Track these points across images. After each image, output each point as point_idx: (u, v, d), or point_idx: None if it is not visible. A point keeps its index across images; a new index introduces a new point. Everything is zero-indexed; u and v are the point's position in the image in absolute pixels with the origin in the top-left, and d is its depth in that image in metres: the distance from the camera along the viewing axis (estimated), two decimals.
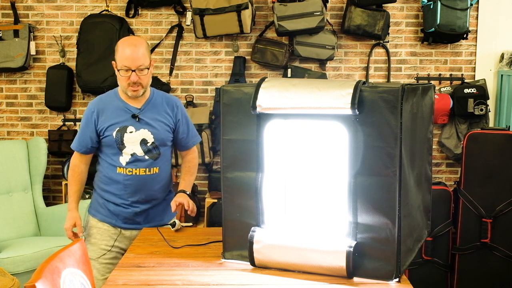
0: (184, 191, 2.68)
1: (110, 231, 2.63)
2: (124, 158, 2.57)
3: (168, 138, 2.65)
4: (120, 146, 2.56)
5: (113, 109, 2.58)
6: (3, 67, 4.23)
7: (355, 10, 4.09)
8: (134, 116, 2.56)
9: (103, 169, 2.63)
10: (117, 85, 2.60)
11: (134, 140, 2.56)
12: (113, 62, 2.55)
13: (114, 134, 2.55)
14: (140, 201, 2.60)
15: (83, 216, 2.71)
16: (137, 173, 2.58)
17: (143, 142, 2.57)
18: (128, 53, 2.47)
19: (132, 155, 2.56)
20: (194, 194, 4.17)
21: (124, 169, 2.57)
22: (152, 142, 2.58)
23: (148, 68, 2.53)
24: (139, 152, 2.56)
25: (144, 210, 2.62)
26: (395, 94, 1.82)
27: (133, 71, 2.48)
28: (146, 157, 2.57)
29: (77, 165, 2.65)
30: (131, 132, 2.56)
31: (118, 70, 2.50)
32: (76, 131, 4.29)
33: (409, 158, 1.96)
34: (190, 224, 3.96)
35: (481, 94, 4.11)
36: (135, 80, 2.49)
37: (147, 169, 2.59)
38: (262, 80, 2.03)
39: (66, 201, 4.18)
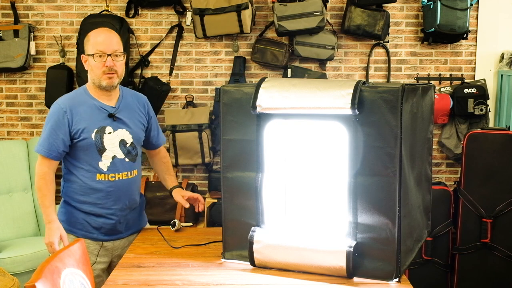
0: (180, 186, 2.63)
1: (90, 247, 2.40)
2: (104, 163, 2.39)
3: (142, 137, 2.54)
4: (100, 149, 2.37)
5: (86, 108, 2.39)
6: (3, 67, 4.22)
7: (355, 10, 4.09)
8: (110, 116, 2.40)
9: (78, 178, 2.41)
10: None
11: (113, 142, 2.40)
12: (82, 55, 2.42)
13: (93, 136, 2.36)
14: (124, 208, 2.45)
15: None
16: (120, 178, 2.41)
17: (122, 143, 2.43)
18: (102, 37, 2.37)
19: (112, 158, 2.40)
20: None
21: (106, 175, 2.39)
22: (131, 143, 2.45)
23: (123, 57, 2.41)
24: (119, 154, 2.41)
25: (125, 217, 2.47)
26: (395, 94, 1.82)
27: (108, 55, 2.35)
28: (126, 159, 2.42)
29: (47, 172, 2.40)
30: (109, 133, 2.39)
31: (92, 55, 2.35)
32: None
33: (409, 158, 1.96)
34: (190, 224, 3.97)
35: (481, 94, 4.11)
36: (111, 64, 2.35)
37: (128, 172, 2.44)
38: (262, 80, 2.03)
39: None
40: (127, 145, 2.44)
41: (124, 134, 2.43)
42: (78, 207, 2.41)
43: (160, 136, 2.67)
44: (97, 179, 2.38)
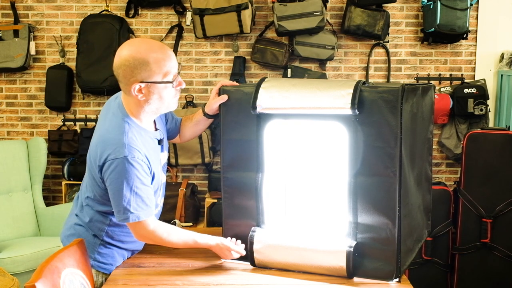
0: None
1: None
2: (158, 195, 2.06)
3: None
4: (159, 184, 2.05)
5: (148, 145, 1.96)
6: (3, 67, 4.23)
7: (355, 10, 4.09)
8: (160, 142, 2.05)
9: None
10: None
11: (164, 169, 2.11)
12: (140, 84, 1.86)
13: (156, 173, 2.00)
14: None
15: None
16: (163, 204, 2.17)
17: (164, 166, 2.12)
18: (169, 55, 1.90)
19: (163, 185, 2.10)
20: (194, 194, 4.17)
21: (157, 209, 2.08)
22: (165, 160, 2.13)
23: None
24: (163, 178, 2.10)
25: None
26: (395, 94, 1.82)
27: (178, 73, 1.95)
28: (164, 180, 2.11)
29: (156, 226, 1.96)
30: (163, 163, 2.09)
31: (171, 82, 1.90)
32: (75, 131, 4.30)
33: (409, 158, 1.96)
34: (190, 224, 3.97)
35: (481, 94, 4.11)
36: (184, 84, 1.98)
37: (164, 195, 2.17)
38: (262, 80, 2.03)
39: (66, 201, 4.19)
40: (164, 165, 2.13)
41: (165, 156, 2.11)
42: (121, 246, 2.08)
43: (174, 118, 2.27)
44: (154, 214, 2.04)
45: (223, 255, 2.07)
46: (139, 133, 1.93)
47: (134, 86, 1.86)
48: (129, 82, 1.87)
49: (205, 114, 2.17)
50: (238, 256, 2.06)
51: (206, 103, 2.17)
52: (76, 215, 2.07)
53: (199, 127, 2.25)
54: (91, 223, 2.03)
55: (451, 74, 4.30)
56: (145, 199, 1.89)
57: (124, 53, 1.86)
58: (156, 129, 2.05)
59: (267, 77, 2.08)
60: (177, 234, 2.00)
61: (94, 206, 2.01)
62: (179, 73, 1.94)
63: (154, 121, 2.06)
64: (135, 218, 1.88)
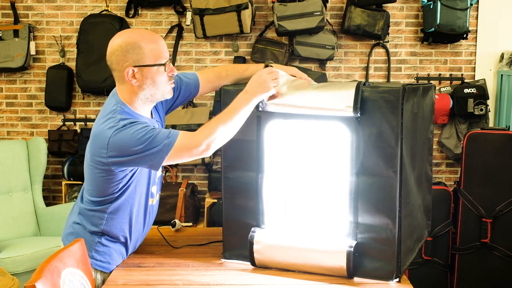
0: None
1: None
2: (153, 184, 2.09)
3: None
4: (154, 177, 2.06)
5: None
6: (3, 67, 4.22)
7: (355, 10, 4.09)
8: None
9: (128, 209, 2.03)
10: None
11: None
12: (133, 68, 1.88)
13: None
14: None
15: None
16: (160, 196, 2.19)
17: None
18: (160, 42, 1.93)
19: (158, 177, 2.12)
20: (194, 194, 4.17)
21: (153, 199, 2.11)
22: None
23: None
24: (159, 173, 2.11)
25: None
26: (396, 94, 1.82)
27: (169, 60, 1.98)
28: (162, 174, 2.13)
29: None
30: None
31: (163, 65, 1.91)
32: (75, 131, 4.30)
33: (410, 158, 1.96)
34: (190, 224, 3.97)
35: (481, 94, 4.11)
36: (176, 71, 2.00)
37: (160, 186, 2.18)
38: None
39: (66, 201, 4.18)
40: None
41: None
42: (120, 240, 2.07)
43: (189, 76, 2.17)
44: (150, 204, 2.09)
45: (266, 93, 1.93)
46: (133, 116, 1.92)
47: (128, 70, 1.89)
48: (122, 67, 1.90)
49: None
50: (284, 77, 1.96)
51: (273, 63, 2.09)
52: (79, 212, 2.08)
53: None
54: (89, 214, 2.03)
55: (451, 74, 4.30)
56: (162, 132, 1.84)
57: (116, 41, 1.92)
58: (153, 117, 2.05)
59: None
60: (219, 119, 1.89)
61: (94, 197, 2.01)
62: (169, 60, 1.96)
63: (151, 112, 2.06)
64: (171, 142, 1.83)
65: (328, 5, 4.23)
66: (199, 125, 4.04)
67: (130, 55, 1.88)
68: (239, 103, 1.90)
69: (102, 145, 1.89)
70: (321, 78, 4.19)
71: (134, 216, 2.06)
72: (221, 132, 1.88)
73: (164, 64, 1.92)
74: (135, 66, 1.89)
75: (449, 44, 4.26)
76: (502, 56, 4.24)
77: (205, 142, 1.86)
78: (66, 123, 4.37)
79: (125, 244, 2.10)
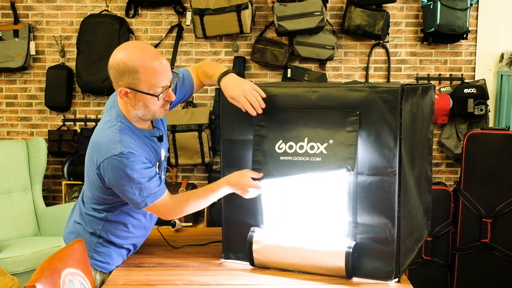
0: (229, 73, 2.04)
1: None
2: None
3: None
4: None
5: (145, 145, 1.97)
6: (3, 67, 4.23)
7: (355, 10, 4.09)
8: (160, 139, 2.05)
9: (131, 216, 2.05)
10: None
11: (164, 165, 2.12)
12: (126, 89, 1.86)
13: (157, 169, 2.01)
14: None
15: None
16: None
17: (164, 162, 2.11)
18: (161, 68, 1.87)
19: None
20: None
21: None
22: (165, 156, 2.12)
23: None
24: (162, 177, 2.09)
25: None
26: (394, 94, 1.82)
27: (169, 87, 1.92)
28: (163, 178, 2.10)
29: (172, 198, 1.99)
30: (164, 158, 2.10)
31: (156, 96, 1.87)
32: (75, 131, 4.30)
33: (409, 158, 1.96)
34: (190, 224, 3.97)
35: (481, 94, 4.11)
36: (173, 97, 1.96)
37: None
38: None
39: (66, 201, 4.19)
40: (164, 161, 2.11)
41: (164, 152, 2.09)
42: (118, 243, 2.08)
43: (184, 73, 2.15)
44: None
45: (241, 193, 2.00)
46: (133, 132, 1.93)
47: (121, 90, 1.87)
48: (117, 84, 1.89)
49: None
50: (256, 193, 2.00)
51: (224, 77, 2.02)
52: (80, 212, 2.09)
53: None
54: (88, 218, 2.05)
55: (451, 74, 4.30)
56: (153, 181, 1.90)
57: (118, 56, 1.87)
58: (153, 127, 2.05)
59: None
60: (195, 194, 2.01)
61: (92, 203, 2.04)
62: (170, 86, 1.91)
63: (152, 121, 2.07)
64: (151, 201, 1.91)
65: (328, 5, 4.23)
66: (199, 125, 4.06)
67: (125, 77, 1.85)
68: (218, 187, 2.02)
69: (95, 160, 1.90)
70: (321, 78, 4.19)
71: (131, 225, 2.07)
72: (193, 209, 2.02)
73: (157, 96, 1.88)
74: (128, 88, 1.87)
75: (449, 44, 4.26)
76: (502, 56, 4.24)
77: (177, 216, 2.02)
78: (66, 123, 4.37)
79: (124, 243, 2.11)
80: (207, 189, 2.02)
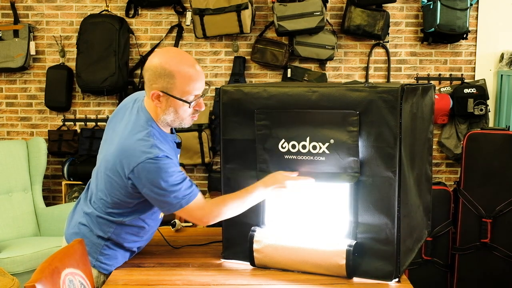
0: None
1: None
2: None
3: None
4: None
5: (170, 148, 2.00)
6: (3, 67, 4.23)
7: (355, 10, 4.09)
8: (179, 146, 2.09)
9: (142, 221, 2.06)
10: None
11: None
12: (159, 93, 1.88)
13: None
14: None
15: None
16: None
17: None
18: (197, 75, 1.91)
19: None
20: None
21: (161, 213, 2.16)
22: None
23: None
24: None
25: None
26: (394, 94, 1.82)
27: (201, 96, 1.96)
28: None
29: (208, 202, 2.04)
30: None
31: (188, 103, 1.91)
32: (75, 131, 4.30)
33: (409, 158, 1.96)
34: (190, 224, 3.97)
35: (481, 94, 4.11)
36: (204, 107, 2.01)
37: None
38: None
39: (66, 201, 4.18)
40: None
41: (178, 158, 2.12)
42: (125, 245, 2.09)
43: None
44: (161, 216, 2.15)
45: (280, 190, 1.98)
46: (162, 137, 1.96)
47: (154, 92, 1.89)
48: (151, 87, 1.90)
49: None
50: (295, 184, 1.97)
51: None
52: (86, 213, 2.06)
53: None
54: (99, 221, 2.03)
55: (451, 74, 4.30)
56: (185, 183, 1.93)
57: (155, 60, 1.89)
58: (172, 132, 2.08)
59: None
60: (231, 197, 2.00)
61: (107, 208, 2.00)
62: (203, 95, 1.94)
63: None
64: (186, 202, 1.91)
65: (328, 5, 4.23)
66: (199, 125, 4.06)
67: (161, 80, 1.87)
68: (253, 188, 1.98)
69: (128, 165, 1.88)
70: (321, 78, 4.19)
71: (142, 229, 2.08)
72: (231, 212, 1.99)
73: (189, 103, 1.91)
74: (162, 92, 1.89)
75: (449, 44, 4.26)
76: (502, 56, 4.24)
77: (214, 220, 1.99)
78: (66, 123, 4.37)
79: (129, 250, 2.11)
80: (242, 191, 2.00)
